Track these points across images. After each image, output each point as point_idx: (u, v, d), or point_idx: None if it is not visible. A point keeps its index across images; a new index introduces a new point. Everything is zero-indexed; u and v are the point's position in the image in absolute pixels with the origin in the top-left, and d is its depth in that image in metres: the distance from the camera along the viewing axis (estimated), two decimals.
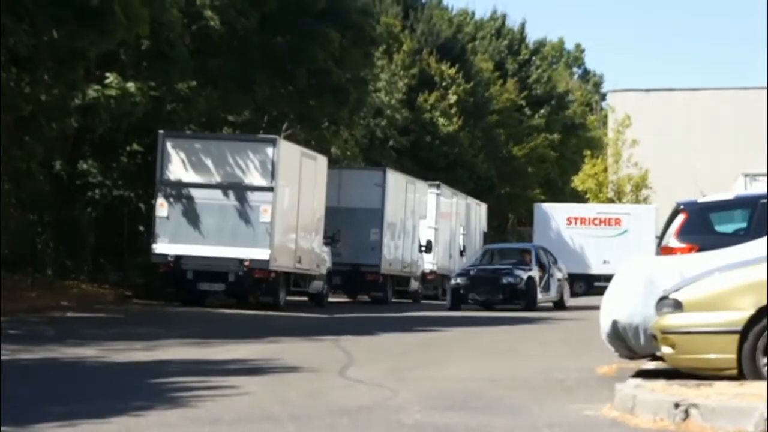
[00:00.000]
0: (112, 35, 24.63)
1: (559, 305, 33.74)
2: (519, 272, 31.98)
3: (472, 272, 32.79)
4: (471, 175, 54.30)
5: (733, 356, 10.02)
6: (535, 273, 32.20)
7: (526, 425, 8.73)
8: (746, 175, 29.29)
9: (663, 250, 13.70)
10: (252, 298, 28.28)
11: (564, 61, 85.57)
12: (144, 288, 30.29)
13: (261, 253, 26.99)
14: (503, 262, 34.75)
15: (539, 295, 32.45)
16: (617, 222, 47.95)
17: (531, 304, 31.37)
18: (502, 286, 31.64)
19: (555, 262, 34.81)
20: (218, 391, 10.87)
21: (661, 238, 14.52)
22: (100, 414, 9.25)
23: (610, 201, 55.88)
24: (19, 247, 31.00)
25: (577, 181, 60.12)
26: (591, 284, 45.60)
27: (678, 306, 10.39)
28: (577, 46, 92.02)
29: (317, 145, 37.40)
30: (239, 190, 27.51)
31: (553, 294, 33.52)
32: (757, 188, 24.78)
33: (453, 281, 32.98)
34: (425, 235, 38.71)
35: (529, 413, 9.45)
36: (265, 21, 33.62)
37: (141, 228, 32.67)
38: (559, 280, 34.13)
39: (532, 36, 70.60)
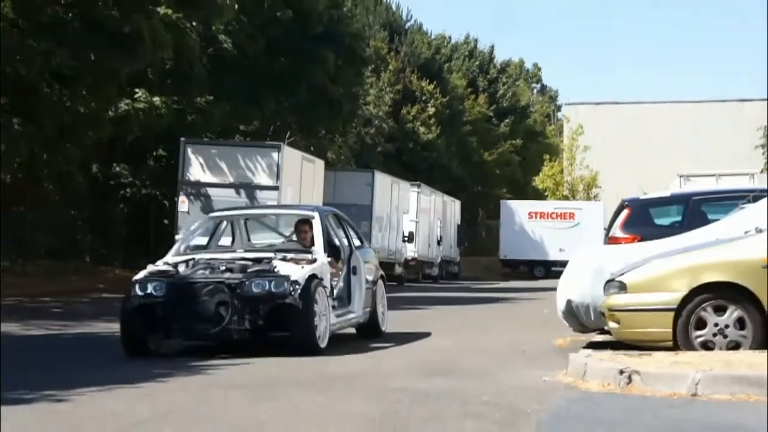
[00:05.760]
0: (141, 57, 24.66)
1: (370, 330, 13.77)
2: (286, 269, 11.54)
3: (180, 272, 11.87)
4: (447, 177, 54.30)
5: (669, 330, 10.06)
6: (319, 267, 11.94)
7: (493, 388, 8.75)
8: (681, 176, 29.50)
9: (610, 240, 13.67)
10: None
11: (524, 77, 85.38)
12: None
13: None
14: (255, 244, 13.73)
15: (330, 317, 11.95)
16: (571, 216, 47.92)
17: (306, 337, 11.33)
18: (250, 302, 11.29)
19: (361, 242, 14.37)
20: (231, 361, 10.88)
21: (608, 229, 14.49)
22: (131, 380, 9.26)
23: (566, 198, 55.84)
24: (62, 238, 30.98)
25: (538, 181, 60.07)
26: (549, 269, 45.61)
27: (623, 287, 10.42)
28: (535, 64, 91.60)
29: (315, 150, 37.38)
30: (249, 189, 27.47)
31: (356, 309, 13.20)
32: (690, 187, 24.87)
33: (134, 293, 11.68)
34: (408, 227, 38.67)
35: (496, 379, 9.47)
36: (270, 44, 33.59)
37: (166, 221, 32.66)
38: (368, 280, 13.72)
39: (500, 57, 70.54)
